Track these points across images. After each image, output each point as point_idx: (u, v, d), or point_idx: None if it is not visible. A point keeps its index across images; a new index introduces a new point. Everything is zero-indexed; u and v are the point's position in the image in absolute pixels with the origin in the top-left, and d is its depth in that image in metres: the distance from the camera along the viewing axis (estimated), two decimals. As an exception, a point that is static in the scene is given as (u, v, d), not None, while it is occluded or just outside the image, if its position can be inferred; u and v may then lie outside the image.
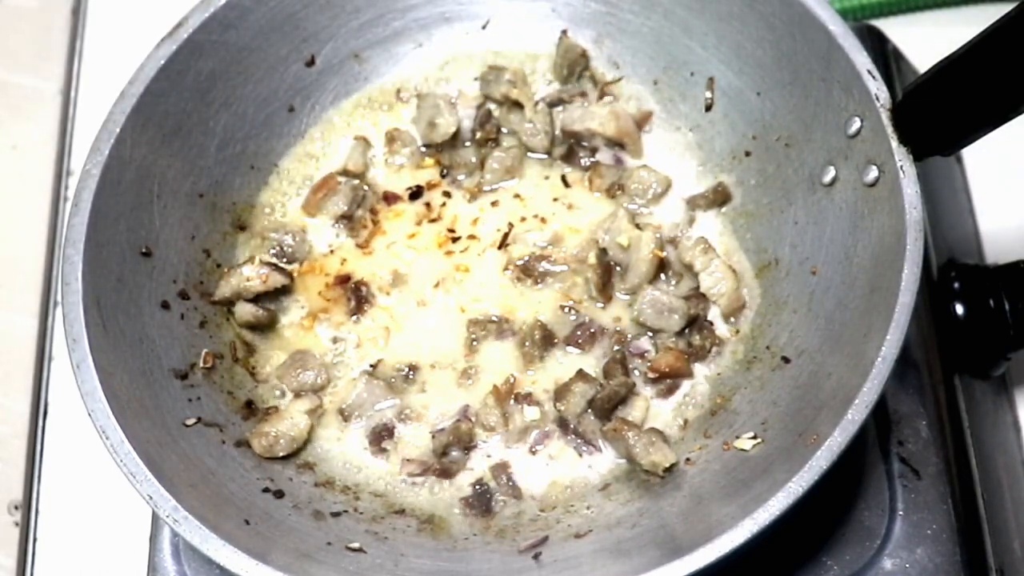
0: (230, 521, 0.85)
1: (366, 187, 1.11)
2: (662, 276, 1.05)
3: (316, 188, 1.11)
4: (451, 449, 0.98)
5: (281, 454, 0.97)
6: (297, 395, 1.01)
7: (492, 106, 1.14)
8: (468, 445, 0.99)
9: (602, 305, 1.05)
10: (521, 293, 1.06)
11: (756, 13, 1.01)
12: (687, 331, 1.03)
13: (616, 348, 1.02)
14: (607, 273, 1.04)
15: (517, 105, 1.12)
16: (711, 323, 1.03)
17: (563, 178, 1.11)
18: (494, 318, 1.04)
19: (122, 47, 1.11)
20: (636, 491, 0.94)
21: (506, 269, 1.07)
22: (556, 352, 1.03)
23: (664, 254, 1.05)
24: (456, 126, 1.12)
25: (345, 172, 1.11)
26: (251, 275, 1.02)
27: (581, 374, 1.00)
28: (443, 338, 1.04)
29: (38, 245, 1.25)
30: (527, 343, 1.02)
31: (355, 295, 1.06)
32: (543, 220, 1.09)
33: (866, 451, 0.99)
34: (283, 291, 1.05)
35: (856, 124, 0.93)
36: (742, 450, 0.91)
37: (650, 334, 1.03)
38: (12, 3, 1.39)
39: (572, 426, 0.99)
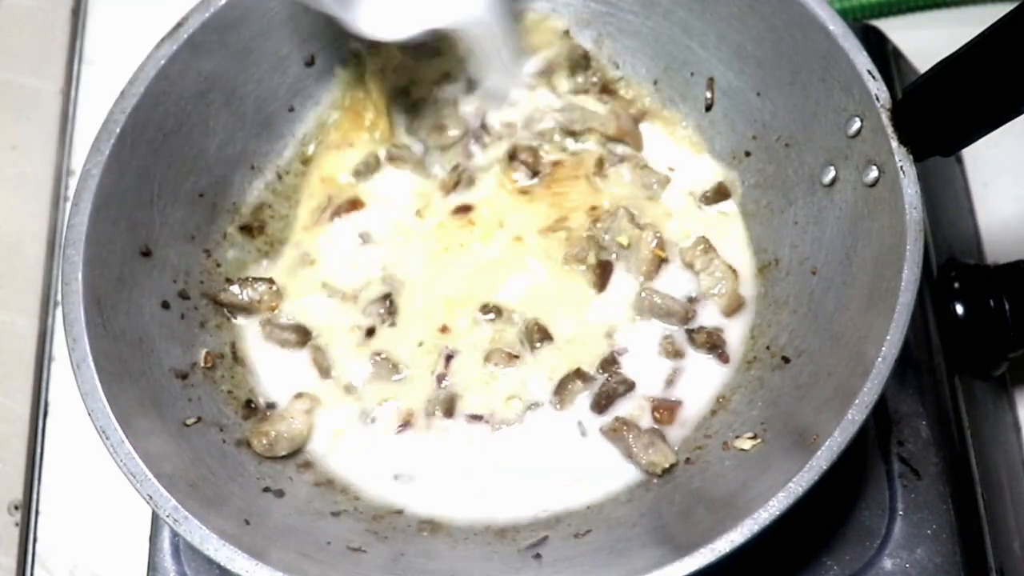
0: (230, 521, 0.85)
1: (367, 187, 1.11)
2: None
3: (317, 188, 1.11)
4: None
5: (281, 454, 0.97)
6: (297, 395, 1.01)
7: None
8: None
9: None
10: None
11: (756, 13, 1.01)
12: (687, 331, 1.03)
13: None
14: (607, 273, 1.04)
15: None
16: (711, 323, 1.03)
17: (563, 178, 1.11)
18: (491, 306, 1.04)
19: (122, 47, 1.11)
20: (636, 491, 0.94)
21: (506, 267, 1.07)
22: (553, 348, 1.02)
23: (664, 254, 1.05)
24: (456, 127, 1.11)
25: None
26: (254, 295, 1.03)
27: (579, 371, 0.99)
28: (438, 326, 1.04)
29: (38, 245, 1.25)
30: (525, 340, 1.02)
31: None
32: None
33: (866, 451, 0.98)
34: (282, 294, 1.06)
35: (856, 124, 0.93)
36: (742, 450, 0.91)
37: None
38: (12, 3, 1.39)
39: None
